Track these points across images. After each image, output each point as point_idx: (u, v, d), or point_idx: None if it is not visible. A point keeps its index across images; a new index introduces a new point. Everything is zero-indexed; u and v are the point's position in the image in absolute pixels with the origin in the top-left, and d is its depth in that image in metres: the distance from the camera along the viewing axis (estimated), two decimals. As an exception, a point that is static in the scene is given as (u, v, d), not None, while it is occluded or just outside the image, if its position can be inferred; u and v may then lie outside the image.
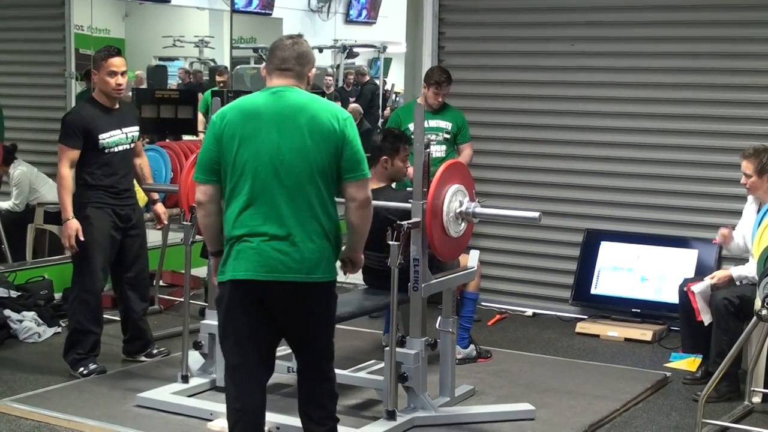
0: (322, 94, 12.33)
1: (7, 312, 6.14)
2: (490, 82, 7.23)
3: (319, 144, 3.55)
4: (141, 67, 10.30)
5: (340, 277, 3.76)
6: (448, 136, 6.54)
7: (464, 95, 7.04)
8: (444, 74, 6.45)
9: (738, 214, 5.62)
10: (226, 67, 10.44)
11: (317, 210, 3.56)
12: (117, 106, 5.41)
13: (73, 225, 5.24)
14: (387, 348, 4.53)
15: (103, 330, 5.53)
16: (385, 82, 14.35)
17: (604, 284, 6.71)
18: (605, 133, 6.85)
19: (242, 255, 3.55)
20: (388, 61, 14.74)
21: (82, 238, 5.24)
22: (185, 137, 8.59)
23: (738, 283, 5.24)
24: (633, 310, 6.53)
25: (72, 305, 5.45)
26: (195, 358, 5.13)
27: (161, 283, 7.08)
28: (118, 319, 5.74)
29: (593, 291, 6.73)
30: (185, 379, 5.05)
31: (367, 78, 14.17)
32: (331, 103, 3.73)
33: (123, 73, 5.34)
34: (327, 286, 3.61)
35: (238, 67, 10.62)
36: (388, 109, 13.21)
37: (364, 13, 15.13)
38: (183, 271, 5.49)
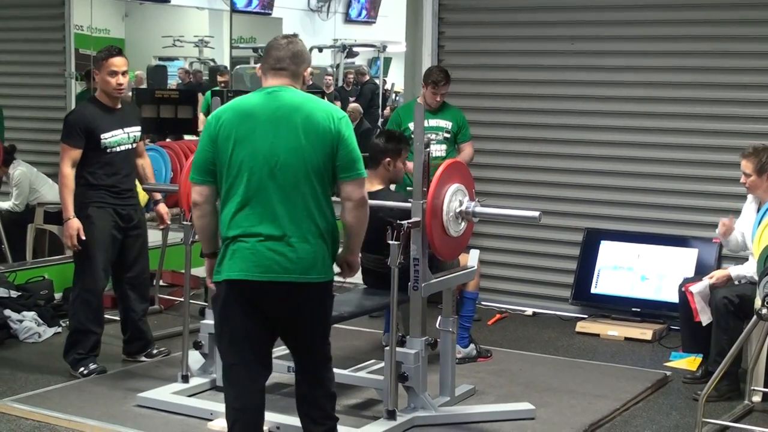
0: (322, 93, 12.34)
1: (8, 312, 6.14)
2: (489, 81, 7.23)
3: (314, 144, 3.53)
4: (141, 67, 10.30)
5: (340, 278, 3.76)
6: (448, 135, 6.54)
7: (464, 94, 7.05)
8: (441, 74, 6.45)
9: (738, 213, 5.62)
10: (226, 67, 10.44)
11: (313, 210, 3.55)
12: (119, 106, 5.42)
13: (75, 224, 5.24)
14: (387, 347, 4.53)
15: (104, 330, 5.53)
16: (385, 82, 14.36)
17: (604, 283, 6.71)
18: (605, 132, 6.85)
19: (237, 255, 3.54)
20: (387, 61, 14.75)
21: (83, 237, 5.24)
22: (186, 137, 8.60)
23: (737, 282, 5.25)
24: (633, 309, 6.53)
25: (73, 305, 5.45)
26: (195, 358, 5.13)
27: (161, 282, 7.07)
28: (118, 319, 5.74)
29: (593, 290, 6.73)
30: (185, 378, 5.06)
31: (367, 77, 14.17)
32: (327, 103, 3.73)
33: (124, 73, 5.34)
34: (323, 287, 3.60)
35: (238, 67, 10.62)
36: (388, 108, 13.22)
37: (364, 12, 15.14)
38: (183, 271, 5.49)
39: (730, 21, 6.41)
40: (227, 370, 3.69)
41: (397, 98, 13.78)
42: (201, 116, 8.98)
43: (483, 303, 6.84)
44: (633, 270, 6.63)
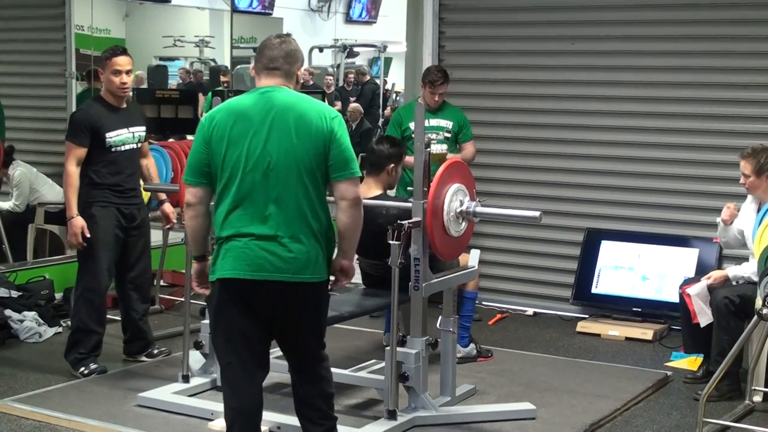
0: (323, 93, 12.35)
1: (8, 312, 6.14)
2: (490, 81, 7.23)
3: (306, 143, 3.52)
4: (141, 67, 10.28)
5: (334, 286, 3.74)
6: (448, 135, 6.54)
7: (464, 94, 7.05)
8: (439, 73, 6.44)
9: (738, 210, 5.61)
10: (227, 67, 10.44)
11: (305, 210, 3.53)
12: (124, 105, 5.43)
13: (79, 222, 5.24)
14: (388, 347, 4.53)
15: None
16: (385, 82, 14.38)
17: (604, 283, 6.70)
18: (606, 132, 6.85)
19: (230, 254, 3.54)
20: (388, 61, 14.76)
21: (88, 235, 5.25)
22: (189, 137, 8.59)
23: (734, 283, 5.25)
24: (634, 309, 6.53)
25: (76, 304, 5.44)
26: (196, 358, 5.13)
27: (162, 282, 7.07)
28: (119, 318, 5.74)
29: (594, 290, 6.73)
30: (186, 378, 5.05)
31: (368, 77, 14.18)
32: (320, 102, 3.71)
33: (128, 72, 5.36)
34: (316, 287, 3.58)
35: (239, 66, 10.61)
36: (389, 108, 13.22)
37: (365, 12, 15.15)
38: (183, 271, 5.49)
39: (730, 21, 6.41)
40: (224, 370, 3.69)
41: (398, 98, 13.79)
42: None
43: (484, 303, 6.85)
44: (634, 270, 6.63)
